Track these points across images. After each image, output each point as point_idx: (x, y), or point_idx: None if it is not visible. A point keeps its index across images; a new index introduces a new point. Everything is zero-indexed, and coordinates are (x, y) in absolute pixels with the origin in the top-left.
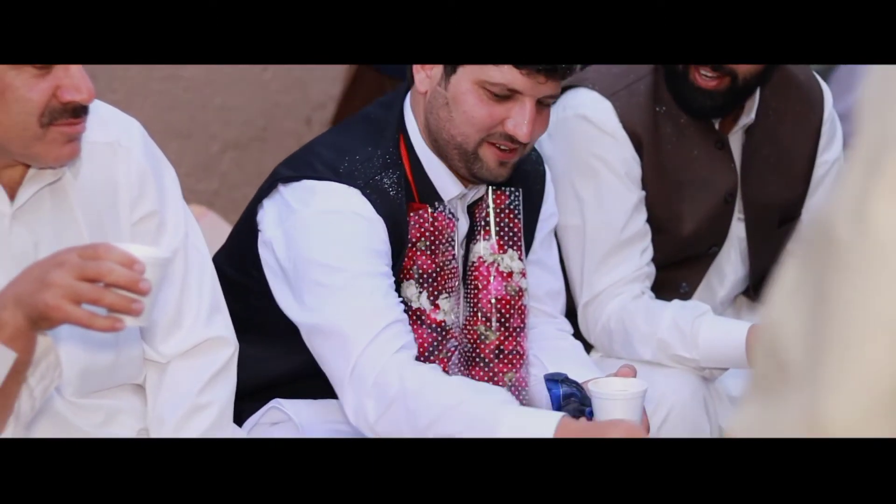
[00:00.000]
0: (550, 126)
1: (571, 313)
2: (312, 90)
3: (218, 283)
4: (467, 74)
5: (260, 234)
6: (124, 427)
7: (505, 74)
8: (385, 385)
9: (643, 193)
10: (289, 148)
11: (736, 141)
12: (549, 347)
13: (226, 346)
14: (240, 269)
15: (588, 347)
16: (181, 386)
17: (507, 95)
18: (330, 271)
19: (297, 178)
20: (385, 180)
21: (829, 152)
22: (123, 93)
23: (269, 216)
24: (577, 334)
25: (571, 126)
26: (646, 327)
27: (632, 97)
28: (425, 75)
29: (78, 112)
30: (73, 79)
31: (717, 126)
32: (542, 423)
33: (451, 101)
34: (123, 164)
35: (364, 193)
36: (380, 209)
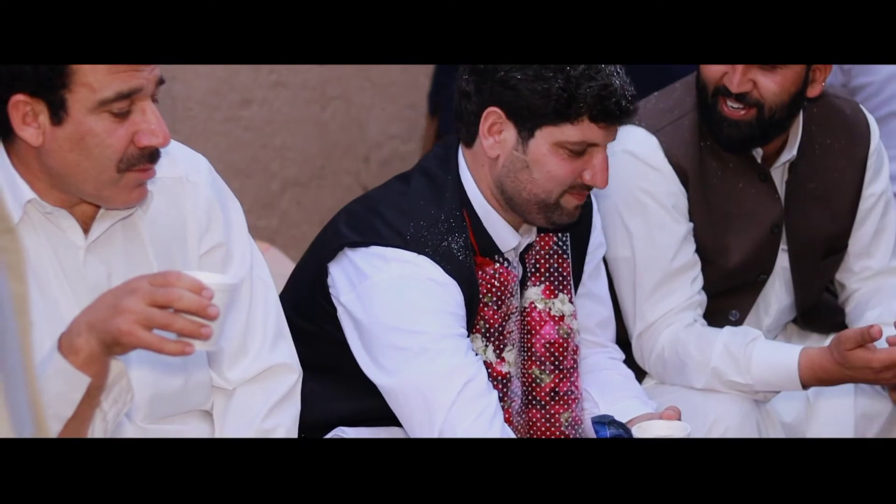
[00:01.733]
0: None
1: (625, 343)
2: (370, 129)
3: (282, 312)
4: (546, 137)
5: (334, 299)
6: None
7: (584, 132)
8: None
9: (691, 225)
10: (347, 186)
11: (778, 174)
12: (599, 380)
13: (290, 372)
14: (309, 320)
15: (642, 374)
16: (247, 411)
17: (583, 150)
18: (407, 335)
19: (365, 244)
20: (453, 245)
21: (875, 185)
22: (185, 133)
23: (340, 282)
24: (630, 361)
25: (619, 161)
26: (699, 355)
27: (677, 132)
28: (494, 140)
29: (154, 157)
30: (150, 123)
31: (759, 160)
32: None
33: (532, 163)
34: (191, 198)
35: (434, 260)
36: (451, 273)
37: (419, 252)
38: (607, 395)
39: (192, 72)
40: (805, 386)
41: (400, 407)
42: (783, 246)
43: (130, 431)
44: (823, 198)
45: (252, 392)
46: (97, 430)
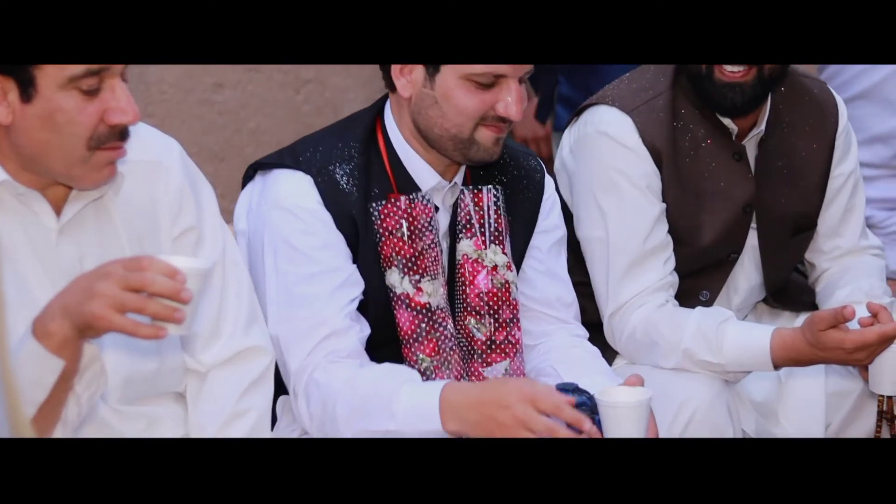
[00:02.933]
0: (573, 142)
1: (593, 325)
2: (344, 112)
3: (255, 295)
4: (451, 72)
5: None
6: (167, 433)
7: (488, 64)
8: (310, 393)
9: (664, 206)
10: None
11: (752, 151)
12: (565, 357)
13: (263, 355)
14: None
15: (613, 354)
16: (221, 393)
17: (492, 82)
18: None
19: (268, 166)
20: (338, 171)
21: (844, 164)
22: (160, 117)
23: (240, 206)
24: (596, 342)
25: (593, 142)
26: (671, 335)
27: (651, 113)
28: (406, 81)
29: (124, 135)
30: (120, 101)
31: (733, 136)
32: (433, 389)
33: (441, 98)
34: (163, 181)
35: (315, 181)
36: (326, 198)
37: (305, 171)
38: (573, 372)
39: None
40: (777, 366)
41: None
42: (753, 224)
43: (104, 413)
44: (791, 176)
45: (225, 375)
46: (71, 413)
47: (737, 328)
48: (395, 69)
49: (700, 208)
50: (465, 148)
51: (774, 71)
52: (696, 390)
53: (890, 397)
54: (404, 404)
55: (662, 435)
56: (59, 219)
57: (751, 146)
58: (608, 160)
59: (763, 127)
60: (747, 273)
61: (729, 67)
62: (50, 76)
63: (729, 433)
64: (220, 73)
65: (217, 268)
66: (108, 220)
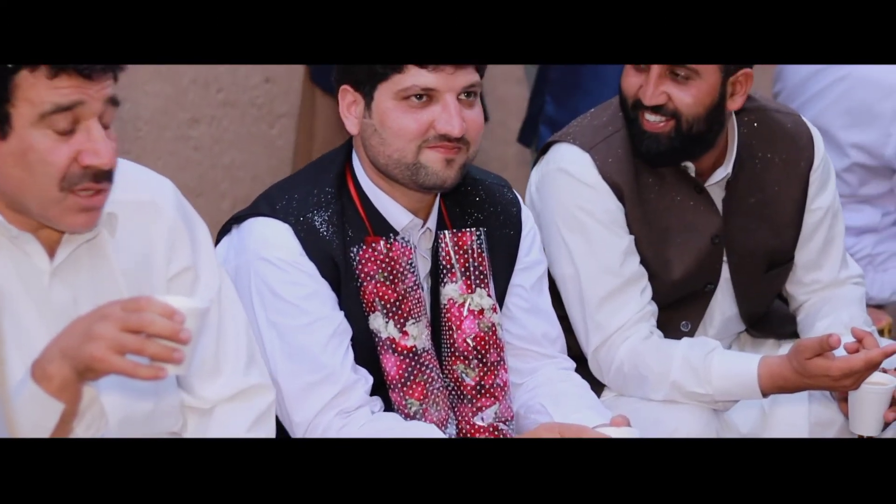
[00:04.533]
0: (537, 180)
1: (578, 356)
2: (317, 144)
3: (251, 334)
4: (383, 94)
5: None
6: None
7: (414, 78)
8: None
9: (632, 237)
10: None
11: (715, 190)
12: (552, 392)
13: (267, 391)
14: None
15: (600, 386)
16: (230, 426)
17: (426, 98)
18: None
19: (242, 218)
20: (316, 218)
21: (821, 198)
22: (135, 154)
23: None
24: (582, 372)
25: (554, 180)
26: (658, 368)
27: (610, 149)
28: (353, 119)
29: (98, 177)
30: (95, 143)
31: (693, 174)
32: None
33: (379, 125)
34: (158, 221)
35: (294, 230)
36: (307, 246)
37: (283, 220)
38: (562, 408)
39: (140, 91)
40: (765, 394)
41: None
42: (725, 257)
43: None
44: (764, 212)
45: (233, 409)
46: None
47: (724, 358)
48: (342, 109)
49: (668, 242)
50: (413, 174)
51: (691, 125)
52: (686, 421)
53: (869, 437)
54: None
55: None
56: (52, 261)
57: (718, 187)
58: (570, 198)
59: (730, 169)
60: (723, 304)
61: (649, 116)
62: (22, 114)
63: None
64: (194, 108)
65: (213, 306)
66: (104, 261)
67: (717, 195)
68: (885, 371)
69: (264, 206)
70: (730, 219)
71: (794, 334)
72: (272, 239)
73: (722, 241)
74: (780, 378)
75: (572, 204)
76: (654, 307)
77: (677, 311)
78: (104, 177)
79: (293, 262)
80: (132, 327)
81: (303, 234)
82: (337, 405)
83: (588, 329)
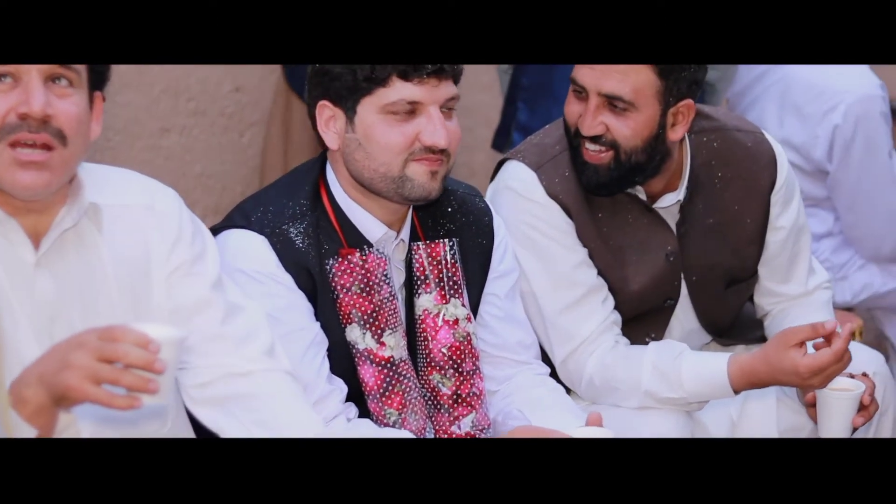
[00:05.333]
0: (490, 196)
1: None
2: (289, 153)
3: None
4: (367, 109)
5: None
6: None
7: (398, 92)
8: None
9: (586, 250)
10: None
11: (668, 213)
12: (528, 398)
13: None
14: None
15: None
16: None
17: (410, 111)
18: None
19: (218, 230)
20: (292, 230)
21: (785, 217)
22: (106, 163)
23: None
24: (556, 376)
25: (503, 197)
26: (629, 378)
27: (557, 169)
28: (332, 133)
29: (33, 128)
30: (27, 93)
31: (643, 197)
32: None
33: (363, 139)
34: (157, 225)
35: (270, 241)
36: (283, 258)
37: (259, 232)
38: (538, 413)
39: (110, 101)
40: (737, 392)
41: None
42: (684, 274)
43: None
44: (723, 231)
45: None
46: None
47: (693, 361)
48: (320, 124)
49: (624, 259)
50: (399, 187)
51: (634, 156)
52: (661, 425)
53: None
54: None
55: None
56: (37, 251)
57: (669, 210)
58: (518, 214)
59: (682, 196)
60: (683, 319)
61: (589, 145)
62: None
63: None
64: (165, 118)
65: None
66: (93, 258)
67: (671, 216)
68: (852, 376)
69: (239, 218)
70: (686, 238)
71: (762, 339)
72: (248, 251)
73: (678, 259)
74: (752, 374)
75: (521, 221)
76: (617, 316)
77: (639, 324)
78: (40, 127)
79: (269, 274)
80: (107, 357)
81: (278, 246)
82: None
83: (551, 342)
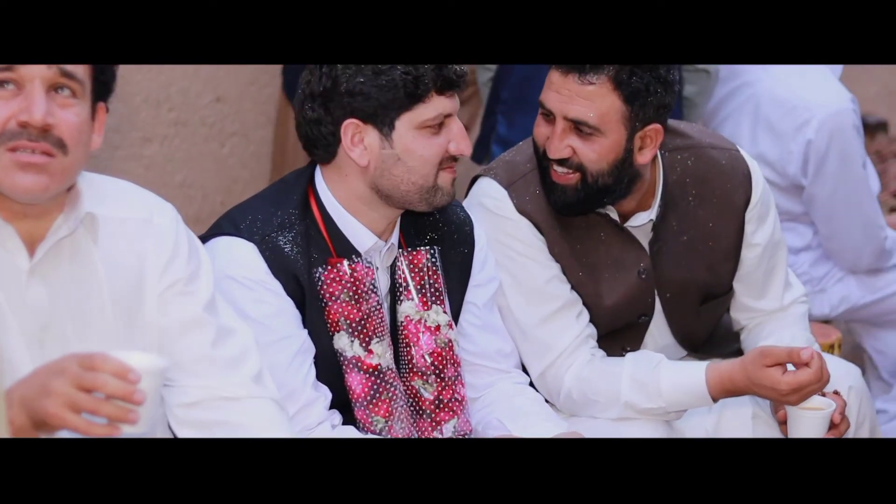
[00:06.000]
0: None
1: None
2: (267, 163)
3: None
4: (406, 125)
5: None
6: None
7: (436, 106)
8: None
9: (559, 265)
10: None
11: (644, 231)
12: (508, 408)
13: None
14: None
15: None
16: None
17: (441, 123)
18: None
19: (206, 238)
20: (280, 239)
21: (760, 234)
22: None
23: None
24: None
25: (475, 213)
26: (608, 391)
27: (528, 186)
28: (361, 149)
29: (33, 137)
30: (28, 101)
31: (615, 216)
32: None
33: (403, 154)
34: (153, 239)
35: (259, 248)
36: (272, 265)
37: (248, 239)
38: (519, 422)
39: None
40: (715, 400)
41: None
42: (657, 291)
43: None
44: (697, 248)
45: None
46: None
47: (671, 370)
48: (346, 141)
49: (597, 276)
50: (430, 196)
51: (601, 179)
52: (640, 435)
53: None
54: None
55: None
56: (32, 259)
57: (641, 229)
58: (491, 232)
59: (654, 215)
60: (657, 335)
61: (557, 167)
62: None
63: None
64: (147, 127)
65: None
66: (88, 268)
67: (643, 234)
68: (824, 394)
69: (227, 225)
70: (659, 256)
71: (739, 352)
72: (238, 257)
73: (650, 276)
74: (729, 382)
75: (493, 238)
76: (592, 329)
77: (615, 339)
78: (40, 136)
79: (259, 281)
80: (86, 386)
81: (267, 253)
82: (298, 422)
83: (528, 356)
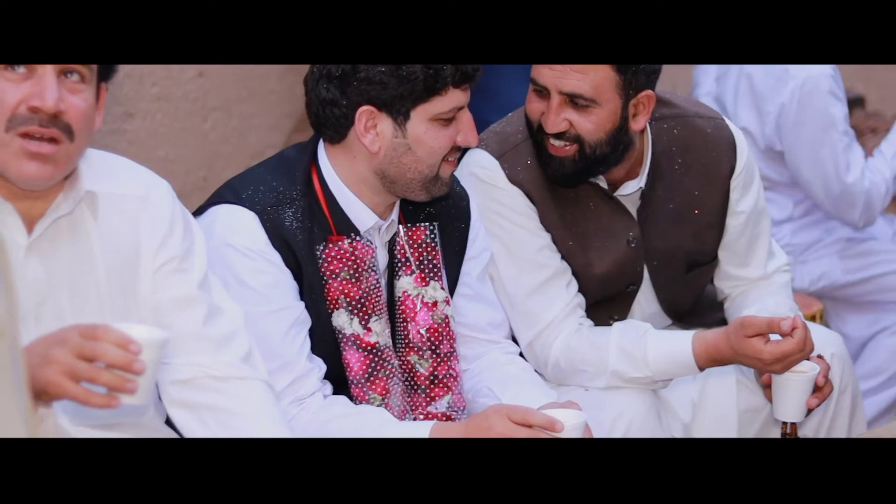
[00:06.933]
0: None
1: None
2: (250, 139)
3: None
4: (421, 116)
5: None
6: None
7: (452, 100)
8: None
9: (550, 235)
10: None
11: (633, 199)
12: (499, 376)
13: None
14: None
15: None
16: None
17: (453, 117)
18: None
19: (205, 208)
20: (282, 212)
21: (744, 202)
22: None
23: None
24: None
25: (467, 184)
26: (596, 360)
27: (519, 157)
28: (373, 136)
29: (44, 122)
30: (41, 87)
31: (605, 185)
32: (419, 431)
33: (414, 144)
34: (149, 215)
35: (261, 219)
36: (273, 237)
37: (250, 209)
38: (509, 390)
39: None
40: (701, 369)
41: None
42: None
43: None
44: (684, 216)
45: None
46: None
47: (658, 340)
48: (359, 127)
49: (587, 246)
50: (431, 185)
51: (598, 148)
52: (629, 404)
53: (793, 423)
54: None
55: None
56: (30, 236)
57: (630, 198)
58: (483, 201)
59: (643, 183)
60: (644, 304)
61: (554, 140)
62: None
63: None
64: (129, 102)
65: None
66: (85, 244)
67: (632, 203)
68: (808, 358)
69: (229, 194)
70: (647, 224)
71: (722, 321)
72: (239, 226)
73: (639, 244)
74: (715, 351)
75: (486, 207)
76: (580, 299)
77: (602, 308)
78: (50, 122)
79: (259, 251)
80: (87, 355)
81: (269, 225)
82: (292, 393)
83: (518, 325)
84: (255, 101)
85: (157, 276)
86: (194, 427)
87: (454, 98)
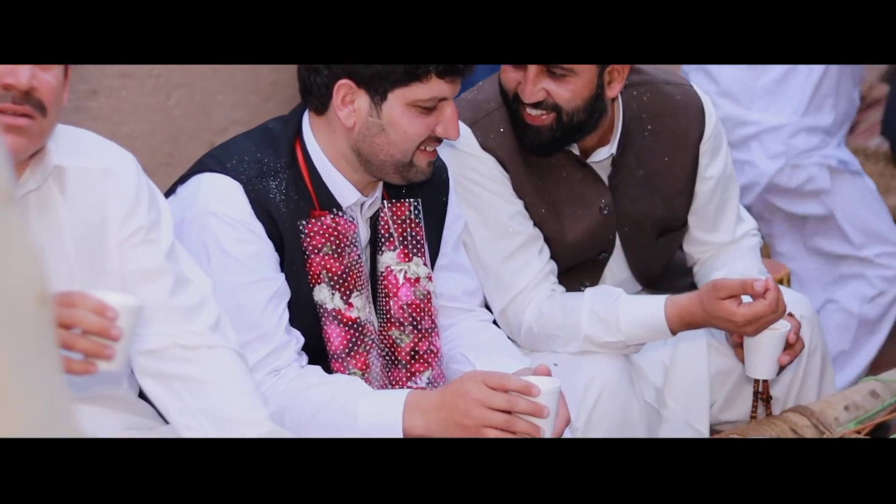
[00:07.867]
0: None
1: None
2: (215, 115)
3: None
4: (398, 99)
5: None
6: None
7: (433, 89)
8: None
9: (522, 202)
10: None
11: (604, 166)
12: (473, 343)
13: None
14: None
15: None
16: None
17: (434, 106)
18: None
19: (187, 177)
20: (266, 183)
21: (713, 167)
22: None
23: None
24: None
25: (440, 151)
26: (568, 325)
27: (492, 124)
28: (349, 110)
29: (17, 99)
30: (14, 64)
31: (577, 152)
32: (394, 398)
33: (388, 126)
34: (115, 187)
35: (245, 189)
36: (256, 208)
37: (235, 178)
38: (482, 357)
39: None
40: (674, 333)
41: None
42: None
43: None
44: (654, 182)
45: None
46: None
47: (630, 304)
48: (336, 100)
49: (559, 213)
50: (405, 170)
51: (571, 117)
52: (601, 369)
53: (765, 380)
54: (366, 415)
55: (573, 414)
56: None
57: (601, 165)
58: (457, 169)
59: (614, 150)
60: (615, 270)
61: (530, 110)
62: None
63: (634, 405)
64: (93, 80)
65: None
66: (55, 220)
67: (603, 170)
68: None
69: (213, 163)
70: (618, 191)
71: (692, 286)
72: (223, 195)
73: (611, 211)
74: (688, 315)
75: (459, 175)
76: (553, 265)
77: (574, 275)
78: (23, 99)
79: (242, 221)
80: (64, 322)
81: (253, 196)
82: (269, 364)
83: (491, 292)
84: (219, 78)
85: (123, 248)
86: (166, 398)
87: (436, 87)
